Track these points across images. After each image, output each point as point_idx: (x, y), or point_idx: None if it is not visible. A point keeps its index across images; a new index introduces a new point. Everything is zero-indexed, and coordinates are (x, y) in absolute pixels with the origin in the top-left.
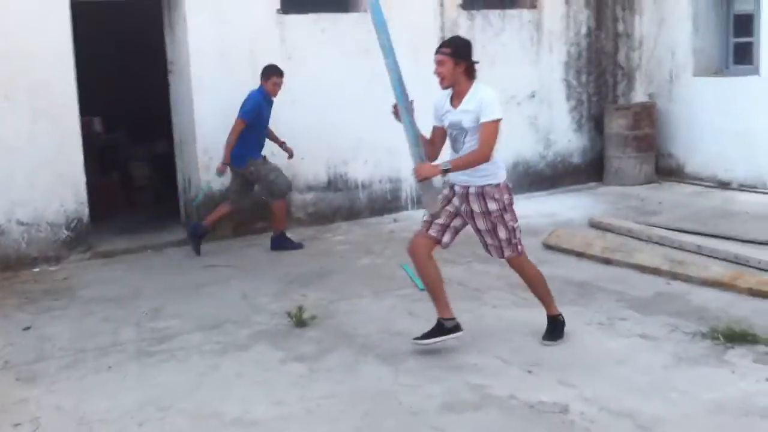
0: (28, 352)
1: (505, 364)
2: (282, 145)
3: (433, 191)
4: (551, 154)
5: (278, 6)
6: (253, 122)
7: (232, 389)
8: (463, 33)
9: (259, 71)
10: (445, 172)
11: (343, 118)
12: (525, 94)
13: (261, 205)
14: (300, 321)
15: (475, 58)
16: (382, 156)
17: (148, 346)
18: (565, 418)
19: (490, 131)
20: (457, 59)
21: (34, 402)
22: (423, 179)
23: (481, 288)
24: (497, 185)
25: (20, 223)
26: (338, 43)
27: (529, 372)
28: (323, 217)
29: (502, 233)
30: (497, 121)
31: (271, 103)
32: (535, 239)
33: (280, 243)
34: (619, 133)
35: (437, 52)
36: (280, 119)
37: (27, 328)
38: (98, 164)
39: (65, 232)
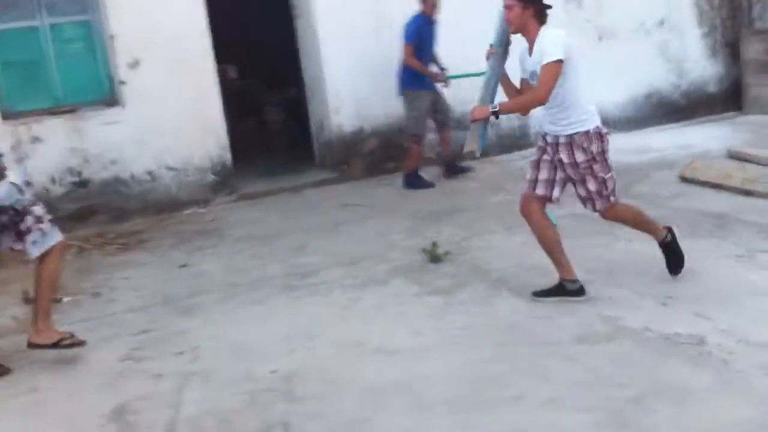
0: (186, 287)
1: (639, 297)
2: (440, 71)
3: (477, 134)
4: (685, 84)
5: None
6: (418, 45)
7: (372, 321)
8: None
9: (382, 13)
10: (495, 114)
11: (466, 54)
12: (654, 21)
13: (390, 145)
14: (434, 257)
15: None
16: None
17: (293, 280)
18: (701, 349)
19: (546, 73)
20: (525, 3)
21: (193, 332)
22: (475, 120)
23: (615, 223)
24: (585, 132)
25: (170, 168)
26: None
27: (664, 305)
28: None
29: (592, 185)
30: (555, 63)
31: (432, 23)
32: (671, 172)
33: (413, 182)
34: (757, 59)
35: None
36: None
37: (183, 266)
38: (235, 110)
39: (211, 176)
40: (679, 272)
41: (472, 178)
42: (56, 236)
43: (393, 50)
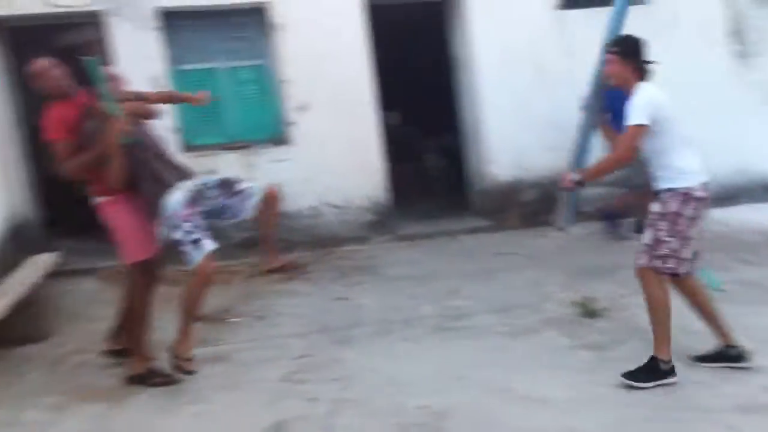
0: (343, 319)
1: None
2: None
3: (564, 206)
4: None
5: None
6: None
7: (521, 368)
8: None
9: (541, 64)
10: (578, 183)
11: None
12: None
13: (549, 197)
14: (589, 311)
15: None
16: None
17: (445, 322)
18: None
19: (627, 134)
20: (625, 59)
21: (348, 362)
22: (562, 189)
23: None
24: (671, 190)
25: (332, 205)
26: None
27: None
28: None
29: (648, 237)
30: (636, 127)
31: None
32: None
33: (611, 219)
34: None
35: (607, 49)
36: (559, 114)
37: (341, 299)
38: (395, 155)
39: (370, 215)
40: (631, 383)
41: (635, 237)
42: (201, 254)
43: (553, 102)
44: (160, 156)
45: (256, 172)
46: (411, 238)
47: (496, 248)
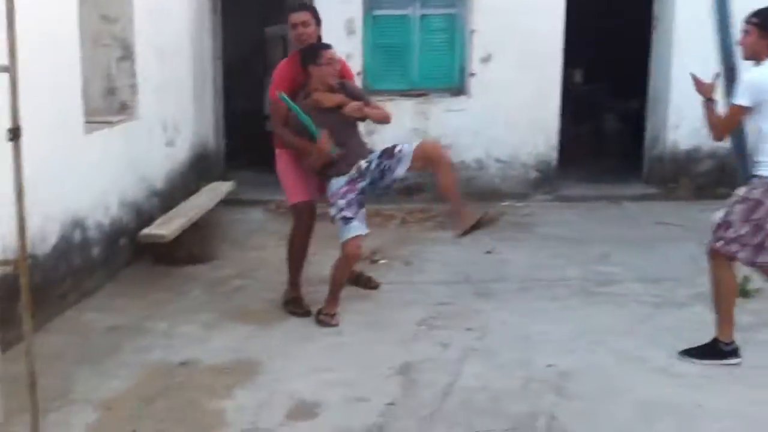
0: (487, 272)
1: None
2: None
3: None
4: None
5: None
6: None
7: (659, 340)
8: None
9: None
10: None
11: None
12: None
13: (726, 170)
14: (744, 291)
15: None
16: None
17: (590, 286)
18: None
19: (727, 114)
20: (763, 31)
21: (486, 314)
22: None
23: None
24: (762, 178)
25: (498, 160)
26: None
27: None
28: None
29: (721, 217)
30: (737, 107)
31: None
32: None
33: None
34: None
35: (746, 20)
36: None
37: (488, 252)
38: (573, 114)
39: (534, 172)
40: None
41: None
42: (349, 234)
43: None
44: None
45: (429, 121)
46: (572, 199)
47: (659, 217)
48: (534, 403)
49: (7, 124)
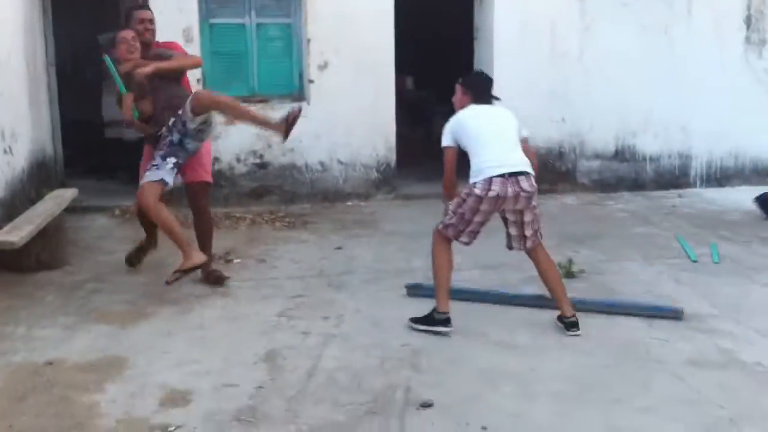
0: (338, 266)
1: (760, 336)
2: None
3: None
4: None
5: None
6: None
7: (497, 318)
8: None
9: (557, 43)
10: None
11: (636, 92)
12: None
13: (546, 168)
14: (569, 272)
15: None
16: (674, 133)
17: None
18: None
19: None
20: (463, 88)
21: (340, 303)
22: None
23: (757, 267)
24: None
25: (340, 162)
26: (637, 19)
27: None
28: (607, 185)
29: (450, 207)
30: (445, 148)
31: None
32: None
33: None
34: None
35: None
36: (570, 88)
37: (338, 248)
38: (407, 118)
39: (375, 173)
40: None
41: (620, 209)
42: (144, 180)
43: (565, 79)
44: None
45: None
46: (411, 197)
47: None
48: (391, 378)
49: None
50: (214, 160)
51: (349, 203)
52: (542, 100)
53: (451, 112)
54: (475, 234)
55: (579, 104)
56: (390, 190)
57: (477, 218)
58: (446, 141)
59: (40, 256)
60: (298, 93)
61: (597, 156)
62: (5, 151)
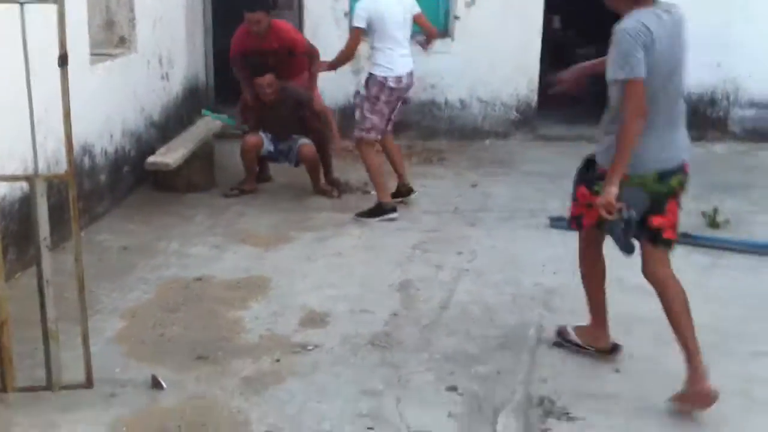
0: (473, 203)
1: None
2: None
3: None
4: None
5: None
6: None
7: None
8: None
9: None
10: None
11: None
12: None
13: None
14: (713, 222)
15: None
16: None
17: None
18: None
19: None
20: None
21: (474, 239)
22: None
23: None
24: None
25: (480, 100)
26: None
27: None
28: (761, 135)
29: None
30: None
31: None
32: None
33: None
34: None
35: None
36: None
37: (474, 185)
38: (552, 58)
39: (515, 113)
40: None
41: None
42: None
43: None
44: None
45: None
46: (550, 138)
47: None
48: (524, 316)
49: (40, 54)
50: (356, 94)
51: (487, 142)
52: (696, 42)
53: (593, 54)
54: None
55: (738, 50)
56: (529, 130)
57: None
58: (357, 22)
59: (191, 178)
60: (444, 29)
61: (753, 104)
62: (162, 77)
